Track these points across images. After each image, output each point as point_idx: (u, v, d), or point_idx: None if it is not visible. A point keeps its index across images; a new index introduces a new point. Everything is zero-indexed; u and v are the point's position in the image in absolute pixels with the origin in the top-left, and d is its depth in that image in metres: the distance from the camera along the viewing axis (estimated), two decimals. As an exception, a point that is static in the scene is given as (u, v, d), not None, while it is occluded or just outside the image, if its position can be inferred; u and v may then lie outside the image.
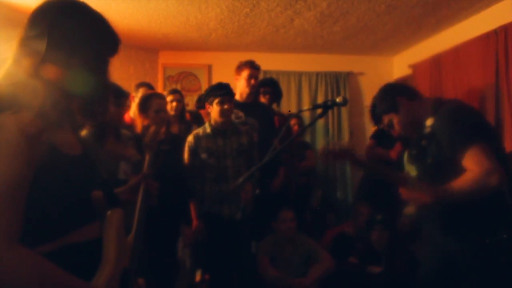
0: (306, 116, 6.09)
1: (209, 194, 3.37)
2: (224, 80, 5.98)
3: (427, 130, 2.26)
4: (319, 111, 2.49)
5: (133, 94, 4.15)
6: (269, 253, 3.76)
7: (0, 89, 1.21)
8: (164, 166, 2.27)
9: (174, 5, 4.50)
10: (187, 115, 4.52)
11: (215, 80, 6.28)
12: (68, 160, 1.26)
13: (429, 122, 2.27)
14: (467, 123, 2.15)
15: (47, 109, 1.19)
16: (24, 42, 1.27)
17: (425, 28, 5.26)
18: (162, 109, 3.20)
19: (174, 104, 4.07)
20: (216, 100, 3.35)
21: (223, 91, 3.37)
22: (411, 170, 2.40)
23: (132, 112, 4.03)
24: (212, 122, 3.44)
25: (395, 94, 2.42)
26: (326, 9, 4.67)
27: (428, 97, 2.55)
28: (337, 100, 2.43)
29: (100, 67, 1.36)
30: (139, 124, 3.17)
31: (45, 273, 1.10)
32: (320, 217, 5.28)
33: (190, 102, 5.88)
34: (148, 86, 4.22)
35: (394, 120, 2.37)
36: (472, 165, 2.02)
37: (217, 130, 3.42)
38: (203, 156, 3.38)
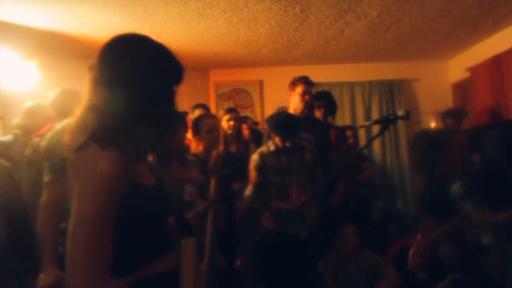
0: (360, 126, 6.00)
1: (275, 212, 3.35)
2: (276, 94, 6.12)
3: (476, 166, 2.16)
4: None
5: (189, 116, 4.21)
6: (333, 270, 3.68)
7: (84, 125, 1.25)
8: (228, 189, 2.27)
9: (224, 25, 4.55)
10: (247, 133, 4.53)
11: (267, 95, 6.30)
12: (145, 192, 1.28)
13: (475, 158, 2.17)
14: None
15: (128, 144, 1.22)
16: (96, 81, 1.30)
17: (482, 29, 5.06)
18: (214, 128, 3.20)
19: (231, 123, 4.08)
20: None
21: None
22: (467, 204, 2.30)
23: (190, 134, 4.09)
24: (276, 140, 3.44)
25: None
26: (377, 18, 4.58)
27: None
28: (399, 113, 2.36)
29: (168, 98, 1.37)
30: (193, 146, 3.19)
31: None
32: (381, 230, 5.14)
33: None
34: (204, 107, 4.27)
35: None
36: None
37: (280, 147, 3.41)
38: (268, 173, 3.38)
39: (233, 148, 4.06)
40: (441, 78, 6.40)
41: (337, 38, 5.19)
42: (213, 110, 5.92)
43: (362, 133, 6.10)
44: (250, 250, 3.43)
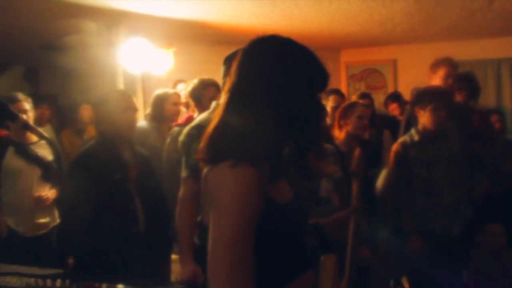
0: (508, 109, 5.42)
1: (419, 208, 3.15)
2: (411, 73, 5.76)
3: None
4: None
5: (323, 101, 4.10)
6: (474, 272, 3.38)
7: (219, 134, 1.21)
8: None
9: (357, 4, 4.32)
10: (379, 119, 4.33)
11: (401, 75, 5.97)
12: (282, 209, 1.21)
13: None
14: None
15: (266, 160, 1.16)
16: (234, 87, 1.24)
17: None
18: (365, 116, 3.12)
19: None
20: (430, 106, 3.08)
21: (439, 96, 3.11)
22: None
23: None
24: (420, 128, 3.18)
25: None
26: (536, -16, 4.03)
27: None
28: None
29: (312, 108, 1.28)
30: (338, 135, 3.14)
31: None
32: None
33: (376, 99, 5.64)
34: (338, 93, 4.12)
35: None
36: None
37: (426, 137, 3.16)
38: (412, 166, 3.16)
39: (366, 135, 3.89)
40: None
41: (484, 10, 4.67)
42: (344, 91, 5.73)
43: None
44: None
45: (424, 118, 3.13)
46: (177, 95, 4.02)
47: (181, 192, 2.33)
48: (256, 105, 1.19)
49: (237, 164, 1.11)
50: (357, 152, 1.91)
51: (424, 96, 3.16)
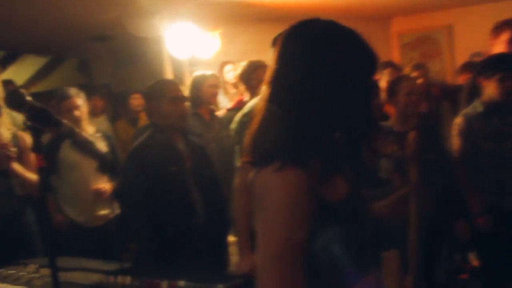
0: None
1: (486, 184, 2.96)
2: (468, 39, 5.42)
3: None
4: None
5: (377, 76, 3.90)
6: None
7: (264, 131, 1.13)
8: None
9: (408, -32, 4.10)
10: (436, 90, 4.08)
11: (458, 41, 5.65)
12: (336, 209, 1.11)
13: None
14: None
15: (317, 157, 1.07)
16: (277, 76, 1.14)
17: None
18: (413, 91, 2.90)
19: (420, 81, 3.69)
20: (497, 76, 2.85)
21: (507, 64, 2.87)
22: None
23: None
24: (485, 98, 2.96)
25: None
26: None
27: None
28: None
29: (363, 95, 1.17)
30: (392, 112, 2.96)
31: None
32: None
33: (432, 68, 5.36)
34: (393, 65, 3.90)
35: None
36: None
37: (491, 108, 2.94)
38: (477, 140, 2.97)
39: (422, 108, 3.70)
40: None
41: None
42: (397, 61, 5.49)
43: None
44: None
45: (490, 89, 2.90)
46: (215, 76, 3.91)
47: (237, 181, 2.30)
48: (300, 96, 1.09)
49: (282, 168, 1.03)
50: (412, 135, 1.76)
51: (490, 64, 2.93)
